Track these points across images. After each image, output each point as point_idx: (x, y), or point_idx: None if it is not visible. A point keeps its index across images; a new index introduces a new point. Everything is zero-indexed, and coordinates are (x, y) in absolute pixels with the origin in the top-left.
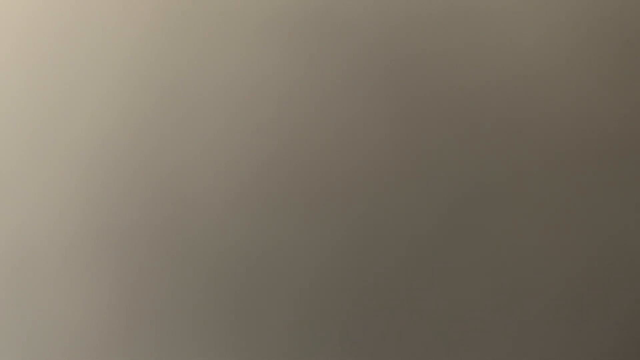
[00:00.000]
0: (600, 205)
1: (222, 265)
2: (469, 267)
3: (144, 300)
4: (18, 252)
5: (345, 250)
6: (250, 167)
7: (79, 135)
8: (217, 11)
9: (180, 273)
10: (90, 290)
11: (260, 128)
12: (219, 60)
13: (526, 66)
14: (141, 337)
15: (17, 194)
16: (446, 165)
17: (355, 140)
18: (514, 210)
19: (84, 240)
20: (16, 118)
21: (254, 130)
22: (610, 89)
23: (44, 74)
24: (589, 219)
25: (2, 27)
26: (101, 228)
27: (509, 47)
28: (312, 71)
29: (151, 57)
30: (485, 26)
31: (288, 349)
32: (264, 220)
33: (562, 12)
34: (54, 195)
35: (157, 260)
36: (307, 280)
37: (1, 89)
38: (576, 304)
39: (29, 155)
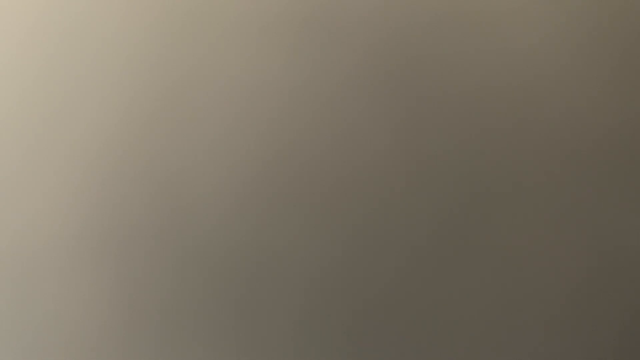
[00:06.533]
0: (603, 206)
1: (223, 267)
2: (471, 269)
3: (145, 301)
4: (20, 253)
5: (348, 253)
6: (253, 169)
7: (81, 137)
8: (219, 15)
9: (182, 275)
10: (91, 291)
11: (263, 130)
12: (221, 62)
13: (529, 69)
14: (142, 338)
15: (19, 196)
16: (449, 168)
17: (359, 142)
18: (516, 211)
19: (86, 241)
20: (19, 120)
21: (257, 133)
22: (612, 90)
23: (46, 77)
24: (591, 221)
25: (6, 29)
26: (103, 229)
27: (511, 49)
28: (315, 74)
29: (153, 59)
30: (487, 29)
31: (290, 351)
32: (266, 222)
33: (564, 14)
34: (56, 196)
35: (159, 261)
36: (309, 283)
37: (4, 91)
38: (577, 305)
39: (32, 157)
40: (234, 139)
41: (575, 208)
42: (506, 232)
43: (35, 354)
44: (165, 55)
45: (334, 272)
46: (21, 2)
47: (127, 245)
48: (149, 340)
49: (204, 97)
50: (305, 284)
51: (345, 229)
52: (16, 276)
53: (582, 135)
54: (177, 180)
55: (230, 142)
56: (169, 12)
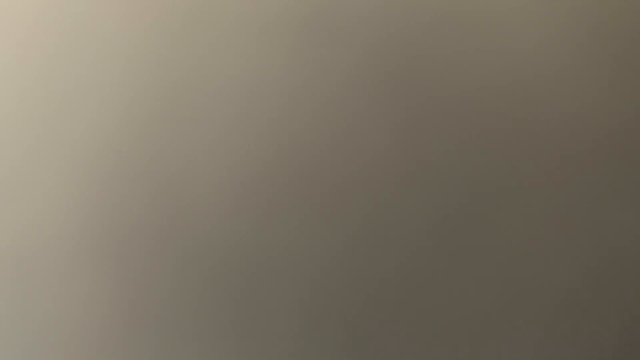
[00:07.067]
0: (603, 206)
1: (223, 267)
2: (471, 268)
3: (145, 301)
4: (20, 253)
5: (348, 253)
6: (253, 169)
7: (81, 137)
8: (219, 15)
9: (182, 275)
10: (91, 291)
11: (263, 130)
12: (221, 62)
13: (529, 69)
14: (142, 338)
15: (19, 196)
16: (449, 167)
17: (359, 142)
18: (516, 211)
19: (86, 241)
20: (19, 120)
21: (257, 133)
22: (612, 90)
23: (46, 77)
24: (591, 221)
25: (6, 29)
26: (103, 229)
27: (511, 49)
28: (315, 74)
29: (153, 59)
30: (487, 29)
31: (290, 351)
32: (266, 223)
33: (564, 14)
34: (56, 196)
35: (159, 262)
36: (309, 283)
37: (4, 91)
38: (577, 305)
39: (32, 157)
40: (234, 139)
41: (575, 208)
42: (506, 232)
43: (35, 354)
44: (165, 55)
45: (334, 272)
46: (21, 2)
47: (127, 245)
48: (149, 340)
49: (204, 97)
50: (305, 284)
51: (345, 229)
52: (16, 276)
53: (582, 135)
54: (177, 180)
55: (230, 142)
56: (169, 12)
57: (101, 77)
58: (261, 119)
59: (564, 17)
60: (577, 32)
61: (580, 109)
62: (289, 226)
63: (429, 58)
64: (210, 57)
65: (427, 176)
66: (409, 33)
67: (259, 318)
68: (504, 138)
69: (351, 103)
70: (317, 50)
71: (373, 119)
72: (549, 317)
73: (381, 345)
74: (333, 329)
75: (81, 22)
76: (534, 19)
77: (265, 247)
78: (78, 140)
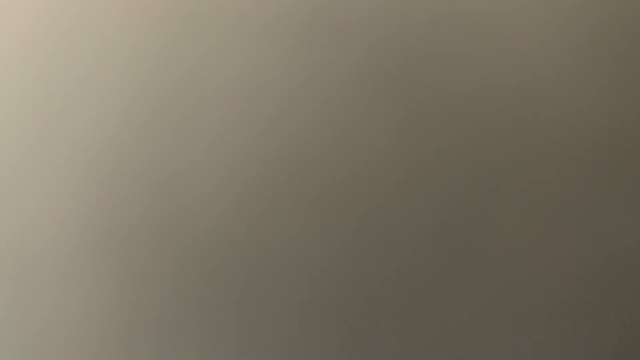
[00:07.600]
0: (603, 206)
1: (223, 267)
2: (471, 269)
3: (145, 301)
4: (20, 253)
5: (348, 253)
6: (252, 169)
7: (81, 137)
8: (219, 15)
9: (182, 275)
10: (91, 291)
11: (263, 130)
12: (221, 62)
13: (529, 69)
14: (142, 338)
15: (19, 196)
16: (449, 167)
17: (359, 142)
18: (516, 211)
19: (86, 241)
20: (19, 120)
21: (257, 133)
22: (612, 90)
23: (46, 77)
24: (591, 221)
25: (6, 29)
26: (103, 229)
27: (511, 49)
28: (315, 74)
29: (153, 59)
30: (487, 29)
31: (290, 351)
32: (266, 223)
33: (564, 14)
34: (56, 196)
35: (159, 261)
36: (309, 283)
37: (4, 91)
38: (577, 305)
39: (32, 157)
40: (234, 139)
41: (575, 208)
42: (506, 232)
43: (35, 354)
44: (165, 55)
45: (334, 272)
46: (21, 2)
47: (127, 245)
48: (149, 340)
49: (204, 97)
50: (305, 284)
51: (345, 229)
52: (16, 276)
53: (582, 135)
54: (177, 180)
55: (230, 142)
56: (169, 12)
57: (101, 77)
58: (261, 119)
59: (564, 17)
60: (577, 32)
61: (580, 109)
62: (289, 226)
63: (429, 58)
64: (210, 57)
65: (427, 176)
66: (409, 33)
67: (259, 318)
68: (504, 138)
69: (351, 103)
70: (317, 50)
71: (373, 119)
72: (549, 317)
73: (381, 345)
74: (333, 329)
75: (81, 22)
76: (534, 19)
77: (265, 247)
78: (78, 140)
